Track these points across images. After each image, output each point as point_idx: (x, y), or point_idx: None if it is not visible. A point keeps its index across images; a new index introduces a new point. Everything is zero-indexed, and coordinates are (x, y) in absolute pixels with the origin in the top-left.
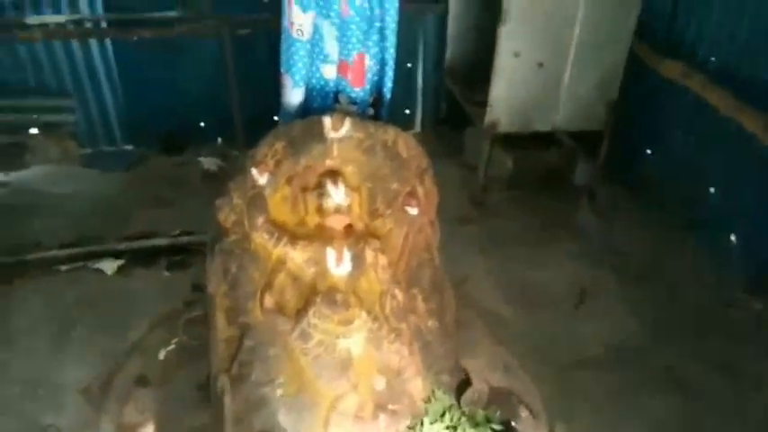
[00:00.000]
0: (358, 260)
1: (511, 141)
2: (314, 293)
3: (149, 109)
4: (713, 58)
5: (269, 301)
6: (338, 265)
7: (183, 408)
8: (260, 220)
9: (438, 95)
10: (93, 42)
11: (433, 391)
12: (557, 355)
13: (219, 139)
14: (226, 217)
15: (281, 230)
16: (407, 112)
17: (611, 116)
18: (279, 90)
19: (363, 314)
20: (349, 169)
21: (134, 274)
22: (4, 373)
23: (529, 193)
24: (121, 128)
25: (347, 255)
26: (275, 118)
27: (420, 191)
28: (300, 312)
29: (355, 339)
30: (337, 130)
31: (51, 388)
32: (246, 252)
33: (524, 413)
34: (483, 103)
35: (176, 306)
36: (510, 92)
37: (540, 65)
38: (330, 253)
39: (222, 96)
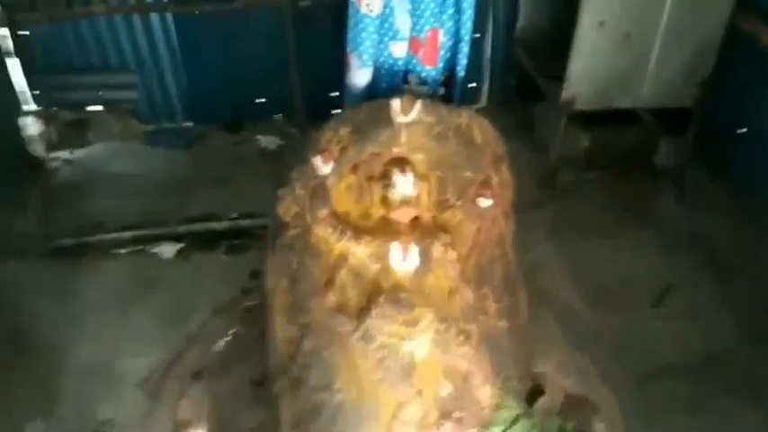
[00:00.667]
0: (425, 256)
1: (587, 118)
2: (377, 292)
3: (209, 85)
4: None
5: (330, 299)
6: (404, 261)
7: (237, 406)
8: (323, 213)
9: (507, 68)
10: (155, 17)
11: (501, 398)
12: (636, 360)
13: (278, 117)
14: (287, 209)
15: (345, 224)
16: (473, 85)
17: (703, 92)
18: (341, 68)
19: (430, 314)
20: (418, 157)
21: (193, 259)
22: (63, 360)
23: (605, 175)
24: (182, 105)
25: (414, 250)
26: (334, 94)
27: (495, 180)
28: (363, 312)
29: (420, 341)
30: (406, 114)
31: (110, 378)
32: (307, 247)
33: (600, 424)
34: (557, 78)
35: (234, 293)
36: (591, 65)
37: (627, 36)
38: (395, 248)
39: (282, 72)
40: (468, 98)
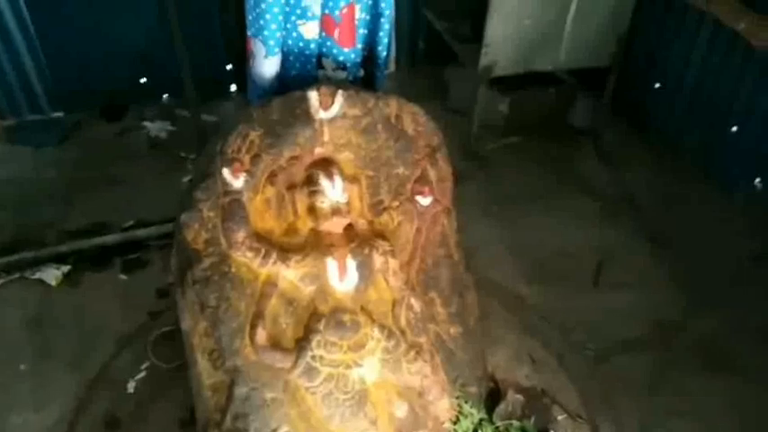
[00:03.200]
0: (365, 269)
1: (504, 82)
2: (316, 318)
3: (78, 65)
4: None
5: (261, 335)
6: (342, 278)
7: None
8: (240, 235)
9: (416, 29)
10: None
11: (461, 406)
12: (588, 338)
13: (166, 98)
14: (195, 236)
15: (268, 244)
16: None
17: (619, 50)
18: (236, 37)
19: (376, 333)
20: (344, 156)
21: (84, 282)
22: None
23: (528, 140)
24: (47, 91)
25: (352, 264)
26: (229, 67)
27: (432, 174)
28: (301, 343)
29: (370, 365)
30: (327, 108)
31: None
32: (226, 278)
33: (561, 415)
34: (469, 39)
35: (140, 319)
36: (509, 29)
37: None
38: (331, 265)
39: (166, 46)
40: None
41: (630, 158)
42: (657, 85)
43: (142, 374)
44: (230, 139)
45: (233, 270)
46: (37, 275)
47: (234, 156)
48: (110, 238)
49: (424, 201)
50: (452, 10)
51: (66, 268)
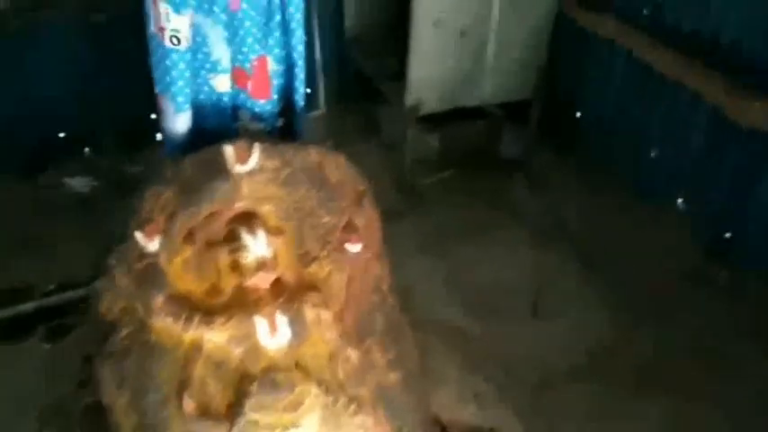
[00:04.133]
0: (297, 324)
1: (433, 118)
2: (247, 380)
3: None
4: (646, 12)
5: (188, 404)
6: (273, 336)
7: None
8: (158, 301)
9: (342, 69)
10: None
11: None
12: (529, 371)
13: (87, 151)
14: (110, 305)
15: (190, 307)
16: (308, 91)
17: (540, 81)
18: (153, 87)
19: (313, 389)
20: (266, 209)
21: (2, 354)
22: None
23: (461, 173)
24: None
25: (282, 321)
26: (152, 116)
27: (359, 221)
28: (233, 409)
29: (309, 423)
30: (244, 161)
31: None
32: (146, 347)
33: None
34: (395, 76)
35: (66, 390)
36: (431, 67)
37: (463, 33)
38: (260, 323)
39: (85, 99)
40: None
41: (559, 185)
42: (579, 114)
43: None
44: (143, 200)
45: (153, 338)
46: None
47: (147, 216)
48: (29, 306)
49: (353, 248)
50: (378, 49)
51: None
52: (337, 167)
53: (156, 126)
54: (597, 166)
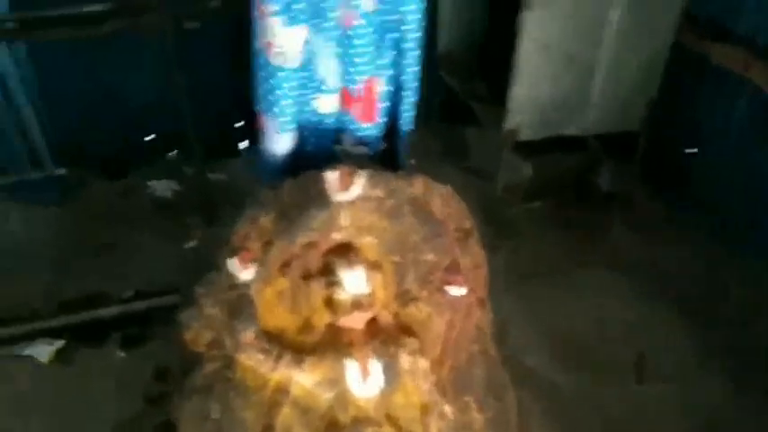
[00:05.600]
0: (391, 371)
1: (528, 145)
2: (334, 429)
3: (80, 120)
4: None
5: None
6: (364, 382)
7: None
8: (248, 335)
9: (431, 89)
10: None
11: None
12: None
13: (172, 155)
14: (195, 337)
15: (280, 344)
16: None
17: (649, 113)
18: (243, 92)
19: None
20: (366, 241)
21: (77, 360)
22: None
23: (554, 205)
24: (50, 148)
25: (376, 366)
26: (239, 124)
27: (464, 261)
28: None
29: None
30: (346, 188)
31: None
32: (231, 385)
33: None
34: (487, 99)
35: (137, 404)
36: (534, 92)
37: (571, 59)
38: (351, 367)
39: (171, 101)
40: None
41: (664, 229)
42: (692, 151)
43: None
44: (239, 225)
45: (238, 376)
46: (26, 352)
47: (241, 243)
48: (108, 311)
49: (457, 291)
50: (469, 69)
51: (59, 344)
52: (443, 201)
53: (240, 134)
54: (708, 212)
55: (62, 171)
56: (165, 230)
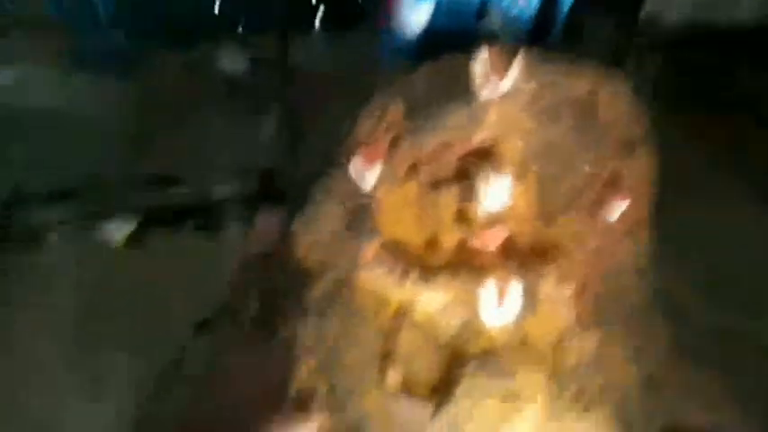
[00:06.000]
0: (529, 297)
1: (666, 34)
2: (460, 360)
3: None
4: None
5: (394, 378)
6: (500, 307)
7: None
8: (371, 249)
9: None
10: None
11: None
12: None
13: (242, 28)
14: (309, 250)
15: (405, 259)
16: None
17: None
18: None
19: (538, 377)
20: (511, 145)
21: (152, 244)
22: None
23: (687, 111)
24: (111, 11)
25: (515, 290)
26: None
27: (627, 176)
28: (441, 391)
29: (526, 416)
30: (496, 78)
31: None
32: (348, 307)
33: None
34: None
35: (219, 294)
36: None
37: None
38: (488, 290)
39: None
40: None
41: None
42: None
43: None
44: (362, 117)
45: (357, 297)
46: (97, 232)
47: (368, 137)
48: (182, 195)
49: (613, 211)
50: None
51: (131, 226)
52: (612, 102)
53: (317, 8)
54: None
55: (123, 40)
56: (239, 112)
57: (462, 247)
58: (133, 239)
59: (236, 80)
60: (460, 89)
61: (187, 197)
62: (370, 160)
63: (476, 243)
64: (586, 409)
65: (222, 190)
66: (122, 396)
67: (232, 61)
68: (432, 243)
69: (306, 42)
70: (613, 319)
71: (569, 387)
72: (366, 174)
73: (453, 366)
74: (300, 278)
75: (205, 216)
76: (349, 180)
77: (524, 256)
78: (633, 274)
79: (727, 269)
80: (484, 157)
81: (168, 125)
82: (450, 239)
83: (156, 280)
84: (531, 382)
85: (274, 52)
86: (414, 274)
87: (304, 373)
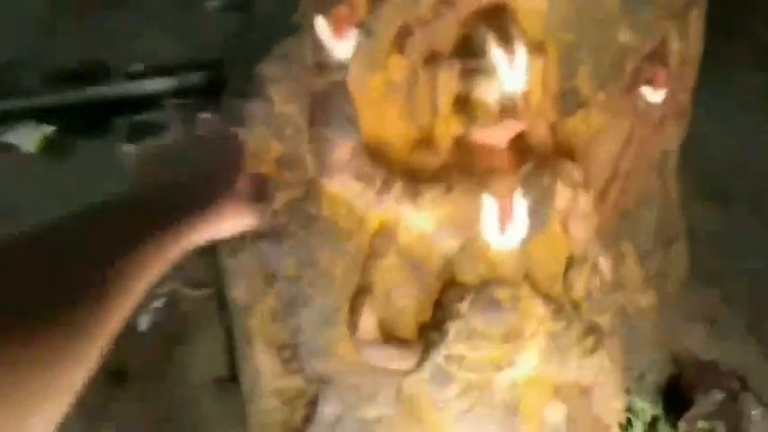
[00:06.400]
0: (541, 210)
1: None
2: (454, 293)
3: None
4: None
5: (368, 322)
6: (505, 227)
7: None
8: (343, 151)
9: None
10: None
11: (633, 403)
12: None
13: None
14: (260, 150)
15: (388, 165)
16: None
17: None
18: None
19: (540, 310)
20: (529, 5)
21: (74, 153)
22: None
23: None
24: None
25: (522, 205)
26: None
27: (675, 48)
28: (430, 333)
29: (527, 359)
30: None
31: None
32: (311, 227)
33: (755, 409)
34: None
35: None
36: None
37: None
38: (489, 205)
39: None
40: None
41: None
42: None
43: (161, 301)
44: None
45: (324, 212)
46: (8, 138)
47: None
48: (110, 89)
49: (654, 95)
50: None
51: (49, 129)
52: None
53: None
54: None
55: None
56: None
57: (463, 144)
58: (50, 145)
59: None
60: None
61: (118, 92)
62: (343, 26)
63: (481, 138)
64: (594, 349)
65: (157, 84)
66: None
67: None
68: (424, 140)
69: None
70: (634, 232)
71: (577, 325)
72: (338, 46)
73: (446, 301)
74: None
75: (137, 117)
76: (316, 48)
77: (540, 157)
78: (662, 177)
79: None
80: (495, 19)
81: (95, 3)
82: (447, 134)
83: (69, 192)
84: (533, 316)
85: None
86: (398, 186)
87: (260, 313)
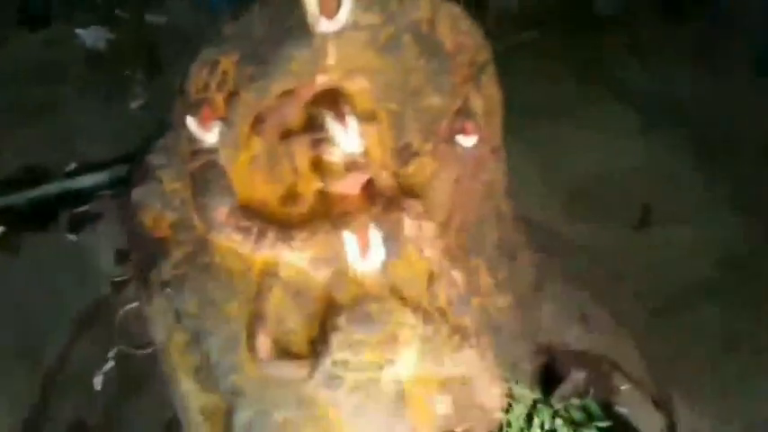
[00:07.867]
0: (393, 240)
1: None
2: (333, 312)
3: None
4: None
5: (264, 343)
6: (364, 255)
7: None
8: (221, 212)
9: None
10: None
11: (511, 389)
12: (644, 287)
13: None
14: (157, 219)
15: (261, 219)
16: None
17: None
18: None
19: (410, 318)
20: (357, 85)
21: (24, 247)
22: None
23: (549, 34)
24: None
25: (376, 236)
26: None
27: (476, 104)
28: (317, 347)
29: (405, 359)
30: (331, 14)
31: None
32: (208, 273)
33: (624, 385)
34: None
35: (100, 292)
36: None
37: None
38: (349, 240)
39: None
40: None
41: (669, 57)
42: None
43: (110, 365)
44: (192, 72)
45: (216, 260)
46: None
47: (200, 94)
48: (51, 188)
49: (467, 141)
50: None
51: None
52: (453, 27)
53: None
54: (715, 38)
55: None
56: (103, 88)
57: (323, 195)
58: (4, 244)
59: (97, 54)
60: (296, 29)
61: (58, 190)
62: (207, 120)
63: (336, 189)
64: (462, 346)
65: (91, 180)
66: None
67: (91, 35)
68: (290, 196)
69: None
70: (480, 249)
71: (444, 326)
72: (206, 135)
73: (328, 319)
74: (151, 251)
75: (76, 210)
76: (189, 139)
77: (387, 198)
78: (493, 201)
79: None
80: (331, 100)
81: (30, 111)
82: (309, 189)
83: (32, 283)
84: (405, 323)
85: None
86: (272, 234)
87: (177, 347)
